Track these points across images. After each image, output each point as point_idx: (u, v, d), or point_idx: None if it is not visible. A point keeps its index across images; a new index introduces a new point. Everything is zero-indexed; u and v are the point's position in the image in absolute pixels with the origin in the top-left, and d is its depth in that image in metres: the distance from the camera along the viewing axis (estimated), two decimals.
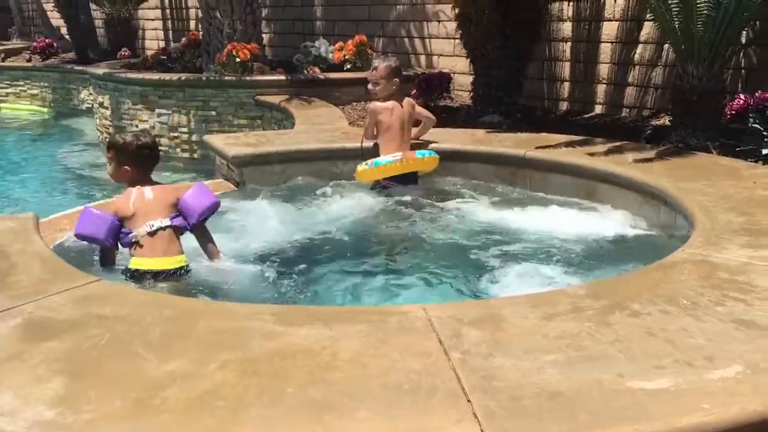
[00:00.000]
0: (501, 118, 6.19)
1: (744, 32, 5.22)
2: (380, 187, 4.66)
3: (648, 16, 6.01)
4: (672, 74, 5.66)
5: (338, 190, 4.77)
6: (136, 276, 3.13)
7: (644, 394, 1.78)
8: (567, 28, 6.96)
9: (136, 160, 3.34)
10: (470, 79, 7.00)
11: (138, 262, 3.17)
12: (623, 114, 6.53)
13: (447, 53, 8.34)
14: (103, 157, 9.26)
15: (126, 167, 3.35)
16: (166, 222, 3.23)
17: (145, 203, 3.26)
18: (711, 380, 1.84)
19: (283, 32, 11.00)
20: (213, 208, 3.37)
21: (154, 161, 3.42)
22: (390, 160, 4.61)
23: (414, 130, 5.04)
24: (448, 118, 6.54)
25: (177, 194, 3.35)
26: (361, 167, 4.68)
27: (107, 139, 3.34)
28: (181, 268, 3.21)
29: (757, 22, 5.23)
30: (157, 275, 3.13)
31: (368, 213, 4.37)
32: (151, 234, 3.19)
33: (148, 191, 3.31)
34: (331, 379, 1.89)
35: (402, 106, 4.82)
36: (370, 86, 4.89)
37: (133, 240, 3.20)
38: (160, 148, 8.56)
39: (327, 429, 1.69)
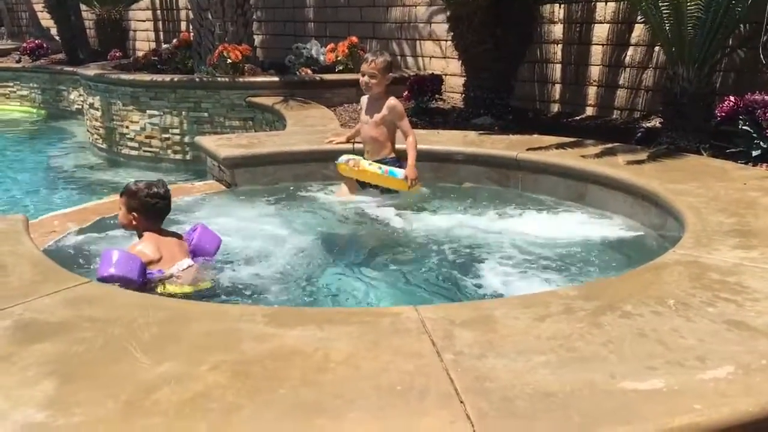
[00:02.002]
0: (493, 120, 6.21)
1: (734, 35, 5.24)
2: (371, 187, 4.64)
3: (639, 18, 6.04)
4: (663, 76, 5.69)
5: (329, 192, 4.77)
6: (174, 296, 3.13)
7: (636, 395, 1.79)
8: (558, 30, 6.98)
9: (146, 209, 3.28)
10: (462, 81, 7.01)
11: (175, 288, 3.17)
12: (614, 116, 6.55)
13: (439, 55, 8.35)
14: (93, 157, 9.29)
15: (134, 214, 3.30)
16: (191, 261, 3.31)
17: (170, 248, 3.28)
18: (703, 381, 1.85)
19: (275, 34, 10.99)
20: (219, 245, 3.51)
21: (164, 213, 3.36)
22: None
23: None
24: (440, 120, 6.55)
25: (185, 241, 3.41)
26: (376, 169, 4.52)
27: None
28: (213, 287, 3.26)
29: (747, 25, 5.26)
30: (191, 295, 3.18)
31: (359, 214, 4.37)
32: (182, 270, 3.26)
33: (165, 238, 3.31)
34: (324, 381, 1.89)
35: None
36: (365, 79, 4.63)
37: (167, 276, 3.21)
38: (151, 149, 8.54)
39: (319, 431, 1.68)
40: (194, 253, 3.40)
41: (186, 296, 3.09)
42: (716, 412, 1.71)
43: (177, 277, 3.23)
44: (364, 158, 4.62)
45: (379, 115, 4.61)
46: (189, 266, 3.29)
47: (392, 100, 4.64)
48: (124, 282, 2.97)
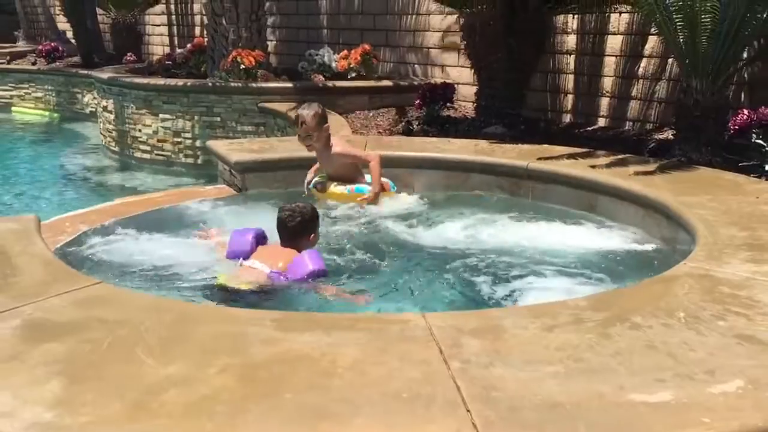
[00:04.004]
0: (504, 129, 6.20)
1: (748, 48, 5.22)
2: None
3: (652, 30, 6.03)
4: (676, 88, 5.67)
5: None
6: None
7: (645, 407, 1.77)
8: (571, 40, 6.97)
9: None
10: (474, 90, 7.01)
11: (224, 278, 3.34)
12: (626, 127, 6.53)
13: (451, 64, 8.35)
14: (106, 160, 9.34)
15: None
16: (263, 269, 3.38)
17: (265, 251, 3.51)
18: (712, 394, 1.84)
19: (288, 40, 11.04)
20: (319, 274, 3.40)
21: (281, 232, 3.58)
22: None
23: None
24: (451, 128, 6.55)
25: (289, 257, 3.45)
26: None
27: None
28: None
29: (762, 39, 5.24)
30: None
31: (368, 221, 4.36)
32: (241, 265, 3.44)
33: (274, 246, 3.58)
34: (330, 386, 1.89)
35: None
36: (304, 141, 4.58)
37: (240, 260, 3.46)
38: (163, 153, 8.57)
39: None
40: (292, 270, 3.41)
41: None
42: (725, 427, 1.69)
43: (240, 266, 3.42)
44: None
45: (335, 166, 4.67)
46: (250, 267, 3.38)
47: (337, 147, 4.63)
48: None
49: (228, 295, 3.20)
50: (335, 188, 4.65)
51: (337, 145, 4.66)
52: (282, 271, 3.36)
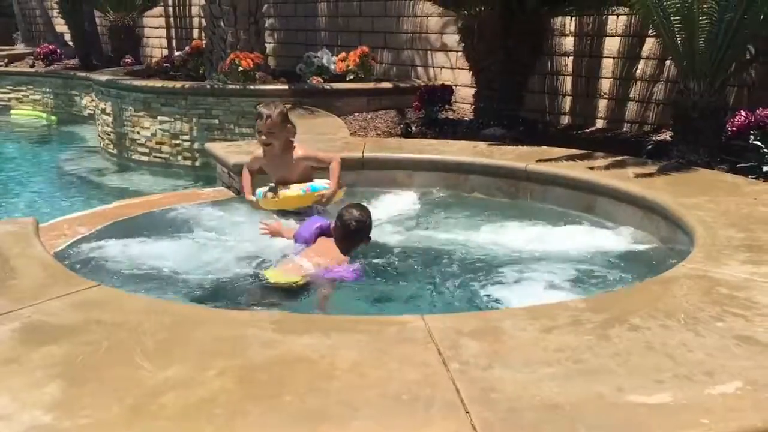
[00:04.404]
0: (503, 131, 6.20)
1: (746, 50, 5.23)
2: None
3: (650, 32, 6.03)
4: (674, 90, 5.68)
5: (338, 200, 4.77)
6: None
7: (643, 409, 1.77)
8: (569, 42, 6.98)
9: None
10: (472, 91, 7.02)
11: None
12: (624, 129, 6.54)
13: (449, 66, 8.36)
14: (104, 162, 9.34)
15: None
16: (310, 265, 3.47)
17: (320, 248, 3.62)
18: (711, 395, 1.84)
19: (287, 42, 11.04)
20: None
21: (341, 232, 3.65)
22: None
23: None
24: (450, 130, 6.55)
25: (335, 260, 3.54)
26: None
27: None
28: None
29: (759, 40, 5.25)
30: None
31: None
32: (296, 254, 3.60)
33: (329, 244, 3.65)
34: (329, 388, 1.89)
35: None
36: (263, 138, 4.34)
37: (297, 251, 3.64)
38: (161, 155, 8.57)
39: None
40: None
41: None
42: (724, 427, 1.70)
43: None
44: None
45: (293, 170, 4.40)
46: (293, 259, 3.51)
47: (300, 151, 4.43)
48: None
49: (271, 290, 3.29)
50: (289, 192, 4.35)
51: (300, 149, 4.46)
52: (325, 270, 3.44)
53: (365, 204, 3.95)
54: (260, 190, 4.46)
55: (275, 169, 4.48)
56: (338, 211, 3.75)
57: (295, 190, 4.36)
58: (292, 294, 3.29)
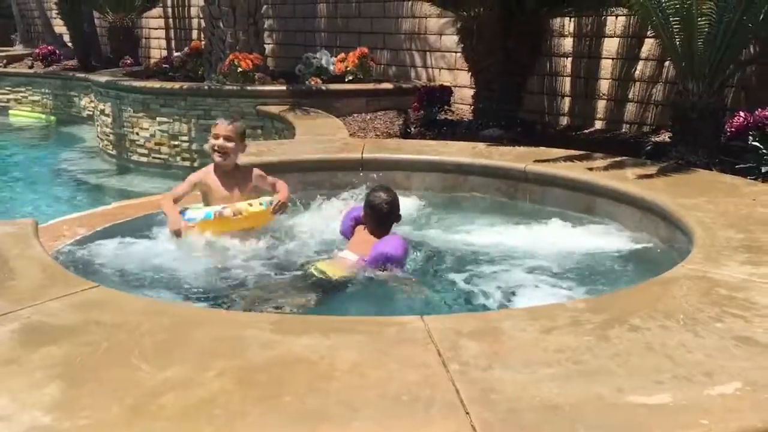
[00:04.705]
0: (501, 131, 6.21)
1: (744, 50, 5.24)
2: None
3: (649, 33, 6.04)
4: (672, 91, 5.69)
5: (337, 201, 4.77)
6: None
7: (643, 409, 1.78)
8: (568, 43, 6.99)
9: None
10: (471, 92, 7.02)
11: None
12: (623, 130, 6.54)
13: (448, 66, 8.37)
14: (103, 163, 9.34)
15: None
16: (355, 257, 3.51)
17: (357, 238, 3.69)
18: (710, 396, 1.84)
19: (286, 43, 11.05)
20: (393, 260, 3.47)
21: (372, 217, 3.67)
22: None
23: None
24: (449, 131, 6.56)
25: (369, 244, 3.56)
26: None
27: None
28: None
29: (757, 41, 5.25)
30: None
31: None
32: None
33: (362, 232, 3.71)
34: (329, 389, 1.89)
35: None
36: (220, 142, 3.95)
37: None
38: (160, 156, 8.57)
39: None
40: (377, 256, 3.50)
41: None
42: (724, 428, 1.70)
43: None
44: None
45: (246, 191, 4.01)
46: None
47: (257, 170, 4.14)
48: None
49: (322, 284, 3.33)
50: (253, 208, 3.86)
51: (257, 170, 4.15)
52: (366, 258, 3.48)
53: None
54: (207, 211, 3.80)
55: (225, 186, 3.96)
56: (365, 199, 3.77)
57: (257, 205, 3.88)
58: (345, 287, 3.36)
